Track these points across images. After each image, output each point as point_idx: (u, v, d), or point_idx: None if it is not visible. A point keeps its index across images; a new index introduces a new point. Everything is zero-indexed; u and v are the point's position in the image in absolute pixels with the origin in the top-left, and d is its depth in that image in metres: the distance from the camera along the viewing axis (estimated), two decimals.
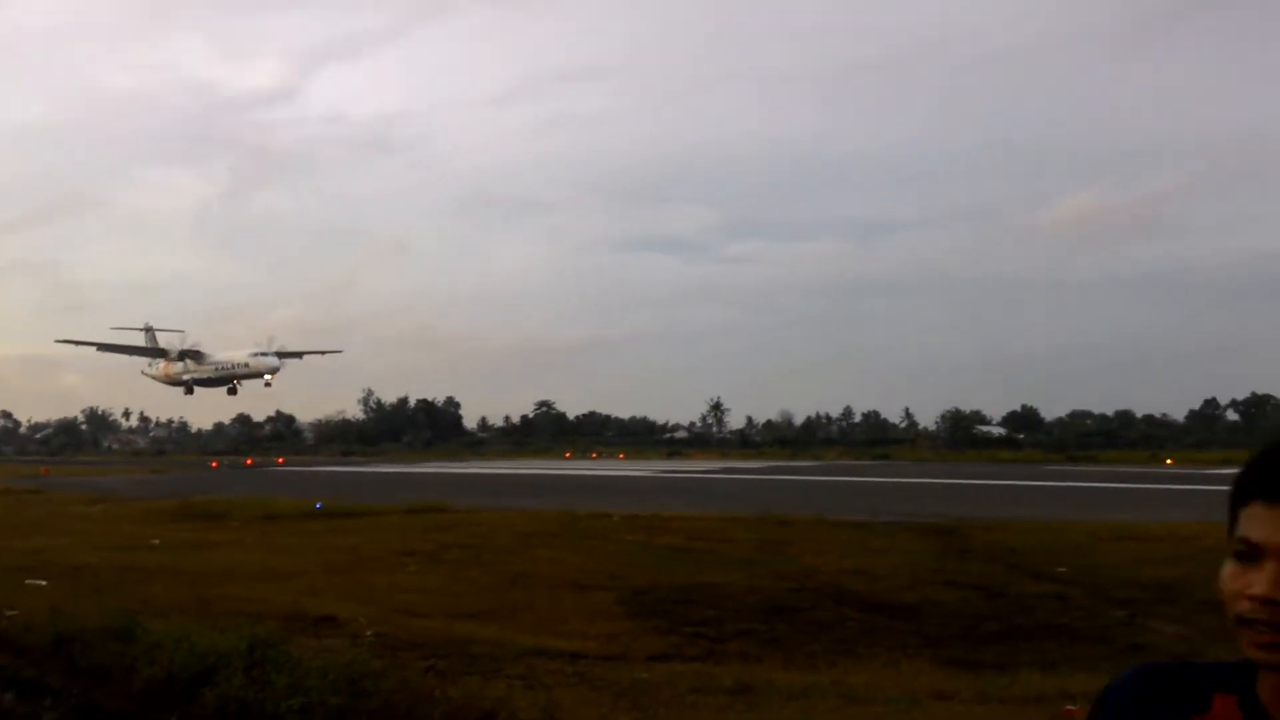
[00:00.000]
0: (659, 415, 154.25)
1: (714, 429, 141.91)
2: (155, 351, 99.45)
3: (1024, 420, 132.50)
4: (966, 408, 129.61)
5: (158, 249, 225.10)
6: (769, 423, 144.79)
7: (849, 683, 9.39)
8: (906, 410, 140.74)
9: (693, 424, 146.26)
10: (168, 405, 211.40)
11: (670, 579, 15.80)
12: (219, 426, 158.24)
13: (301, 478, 54.27)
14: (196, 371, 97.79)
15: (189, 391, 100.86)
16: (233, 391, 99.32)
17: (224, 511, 27.86)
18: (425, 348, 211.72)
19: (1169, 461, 74.61)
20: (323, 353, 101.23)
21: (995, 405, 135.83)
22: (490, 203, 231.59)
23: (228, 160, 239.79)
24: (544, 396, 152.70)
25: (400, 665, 9.40)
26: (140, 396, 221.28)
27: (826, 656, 10.92)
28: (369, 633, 11.49)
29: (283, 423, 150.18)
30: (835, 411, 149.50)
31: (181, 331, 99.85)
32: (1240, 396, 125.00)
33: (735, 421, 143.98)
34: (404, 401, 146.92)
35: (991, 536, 21.42)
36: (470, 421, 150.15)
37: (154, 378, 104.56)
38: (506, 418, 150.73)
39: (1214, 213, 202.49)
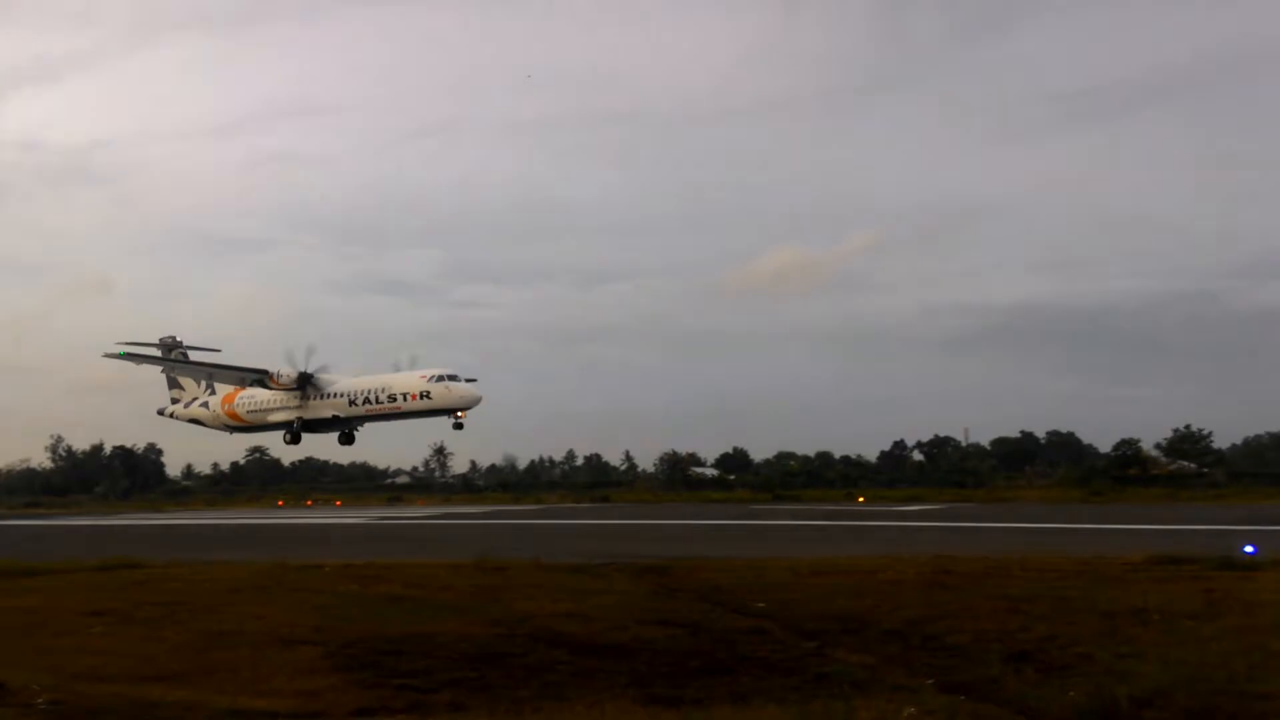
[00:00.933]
0: (380, 460, 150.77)
1: (437, 474, 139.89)
2: (246, 375, 68.73)
3: (735, 461, 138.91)
4: (683, 450, 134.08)
5: None
6: (493, 467, 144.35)
7: None
8: (627, 453, 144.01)
9: (415, 469, 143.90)
10: None
11: (382, 630, 15.46)
12: None
13: None
14: (308, 409, 67.14)
15: (294, 440, 70.08)
16: (349, 439, 70.54)
17: None
18: (126, 391, 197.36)
19: (861, 499, 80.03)
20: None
21: (709, 447, 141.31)
22: (202, 239, 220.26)
23: None
24: (256, 442, 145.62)
25: None
26: None
27: (534, 701, 11.03)
28: (41, 700, 10.61)
29: None
30: (559, 455, 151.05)
31: (214, 350, 71.23)
32: (925, 438, 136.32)
33: (459, 466, 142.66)
34: (98, 449, 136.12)
35: (701, 575, 22.25)
36: (174, 469, 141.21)
37: (198, 421, 73.76)
38: (215, 465, 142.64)
39: (900, 270, 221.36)
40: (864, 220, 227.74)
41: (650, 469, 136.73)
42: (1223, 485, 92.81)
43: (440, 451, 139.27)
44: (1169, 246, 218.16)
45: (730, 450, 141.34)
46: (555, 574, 22.76)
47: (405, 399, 64.55)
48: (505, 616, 16.73)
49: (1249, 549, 23.82)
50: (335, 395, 67.49)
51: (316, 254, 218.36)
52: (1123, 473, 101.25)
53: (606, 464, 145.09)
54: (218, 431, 75.39)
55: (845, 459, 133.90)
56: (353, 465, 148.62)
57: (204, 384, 74.47)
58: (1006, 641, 13.98)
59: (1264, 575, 20.29)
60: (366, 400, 66.41)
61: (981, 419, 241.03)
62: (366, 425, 69.43)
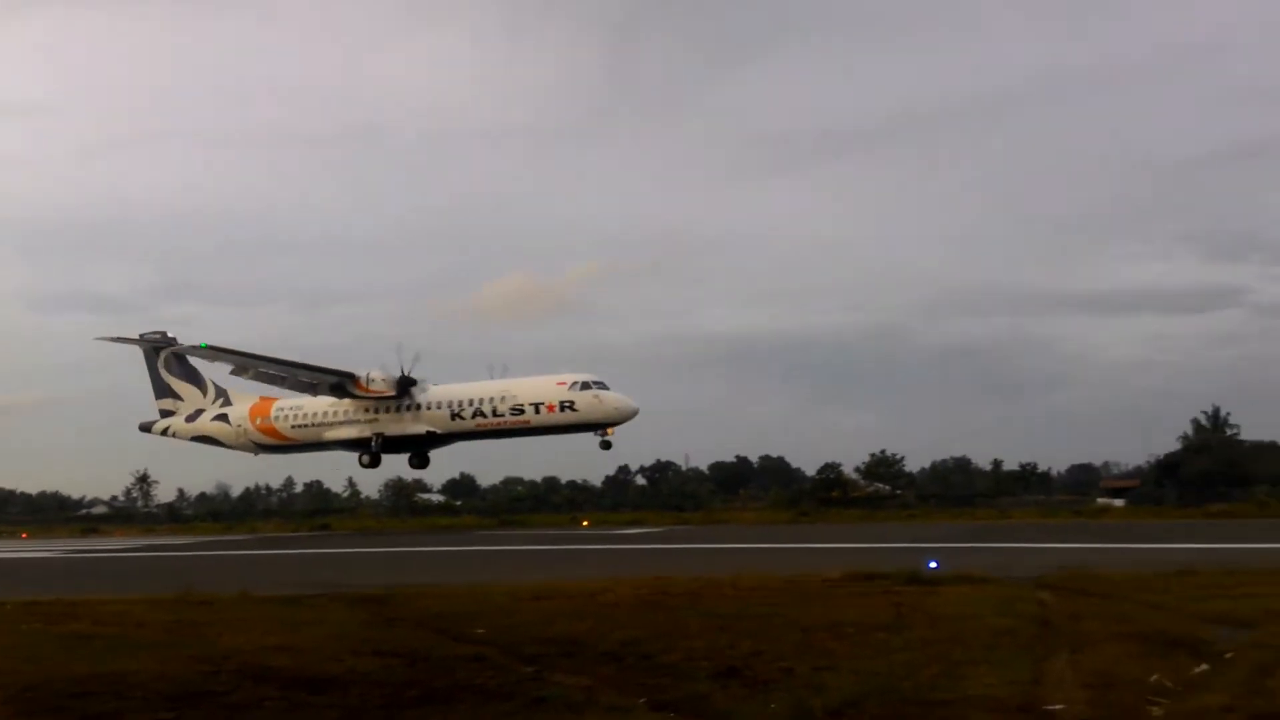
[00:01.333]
0: (75, 490, 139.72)
1: (139, 503, 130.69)
2: (324, 378, 54.17)
3: (462, 487, 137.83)
4: (409, 476, 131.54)
5: None
6: (203, 495, 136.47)
7: None
8: (350, 479, 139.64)
9: (115, 498, 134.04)
10: None
11: (68, 671, 14.29)
12: None
13: None
14: (389, 422, 54.10)
15: (373, 462, 57.14)
16: (424, 462, 59.09)
17: None
18: None
19: (585, 523, 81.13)
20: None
21: (436, 473, 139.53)
22: None
23: None
24: None
25: None
26: None
27: None
28: None
29: None
30: (276, 482, 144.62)
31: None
32: (647, 463, 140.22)
33: (165, 494, 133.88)
34: None
35: (420, 603, 21.90)
36: None
37: (211, 439, 58.40)
38: None
39: (624, 299, 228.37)
40: (590, 250, 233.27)
41: (375, 495, 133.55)
42: (913, 506, 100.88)
43: (144, 479, 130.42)
44: (867, 284, 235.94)
45: (458, 476, 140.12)
46: (265, 606, 21.76)
47: (539, 411, 53.88)
48: (208, 653, 15.85)
49: (932, 564, 25.81)
50: (433, 406, 56.46)
51: (6, 267, 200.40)
52: (827, 494, 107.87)
53: (328, 490, 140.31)
54: (239, 452, 61.36)
55: (571, 484, 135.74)
56: (42, 495, 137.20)
57: (212, 392, 61.71)
58: (715, 658, 14.52)
59: (945, 589, 22.05)
60: (478, 413, 55.36)
61: (701, 444, 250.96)
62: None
